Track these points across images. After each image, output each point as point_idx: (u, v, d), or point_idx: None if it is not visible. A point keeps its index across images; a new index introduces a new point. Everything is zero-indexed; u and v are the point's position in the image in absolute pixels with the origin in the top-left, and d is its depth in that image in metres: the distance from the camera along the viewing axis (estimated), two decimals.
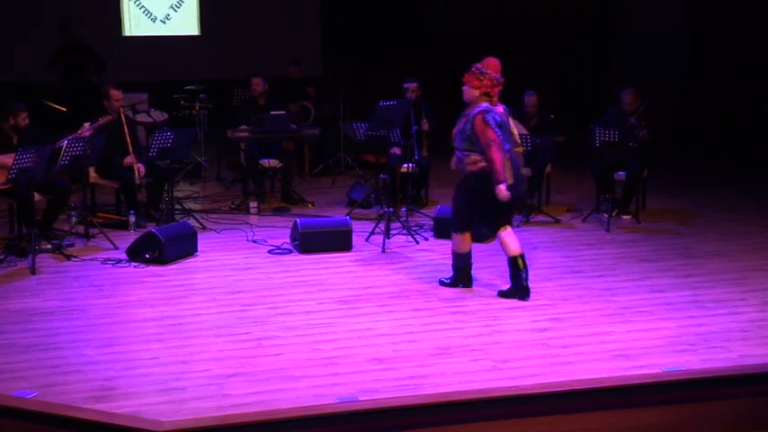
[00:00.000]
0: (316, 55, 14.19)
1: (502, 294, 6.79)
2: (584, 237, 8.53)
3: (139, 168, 8.62)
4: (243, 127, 9.87)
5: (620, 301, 6.72)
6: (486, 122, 6.56)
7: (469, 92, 6.70)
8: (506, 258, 6.79)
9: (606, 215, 8.83)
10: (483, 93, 6.65)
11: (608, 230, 8.65)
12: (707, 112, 12.97)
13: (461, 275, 6.99)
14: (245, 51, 14.04)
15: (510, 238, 6.76)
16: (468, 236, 6.89)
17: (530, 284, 6.76)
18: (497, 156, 6.53)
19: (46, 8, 13.13)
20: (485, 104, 6.64)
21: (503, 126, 6.64)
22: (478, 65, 6.72)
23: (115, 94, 8.74)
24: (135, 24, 13.98)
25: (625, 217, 9.08)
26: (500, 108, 6.73)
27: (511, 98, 9.67)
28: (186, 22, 14.17)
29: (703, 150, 12.66)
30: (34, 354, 5.71)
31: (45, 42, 11.97)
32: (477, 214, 6.79)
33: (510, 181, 6.60)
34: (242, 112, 10.19)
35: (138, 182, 8.71)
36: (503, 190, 6.55)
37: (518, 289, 6.75)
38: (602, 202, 9.05)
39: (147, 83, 11.82)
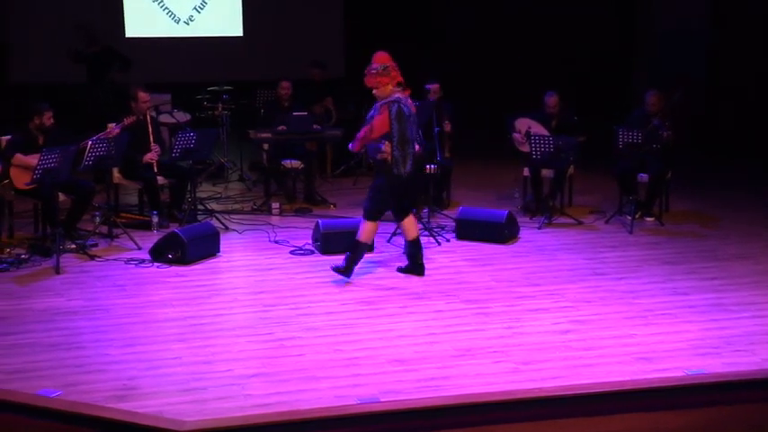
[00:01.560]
0: (338, 56, 14.21)
1: (401, 270, 7.37)
2: (606, 239, 8.49)
3: (156, 150, 8.64)
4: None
5: (643, 304, 6.68)
6: (388, 111, 6.90)
7: (383, 90, 6.98)
8: (406, 241, 7.29)
9: (629, 217, 8.78)
10: (396, 83, 6.96)
11: (631, 232, 8.61)
12: (732, 112, 12.87)
13: (355, 263, 7.21)
14: (267, 53, 14.08)
15: (412, 224, 7.26)
16: (377, 225, 7.24)
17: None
18: (361, 133, 7.01)
19: (68, 10, 13.21)
20: (397, 95, 6.95)
21: (407, 119, 6.95)
22: (375, 65, 6.96)
23: (143, 96, 8.79)
24: (158, 25, 14.04)
25: (648, 219, 9.04)
26: (410, 101, 7.06)
27: (533, 99, 9.71)
28: (209, 24, 14.23)
29: (727, 152, 12.56)
30: (58, 353, 5.75)
31: (68, 44, 12.05)
32: (388, 203, 7.19)
33: (403, 171, 7.00)
34: (266, 113, 10.25)
35: (155, 168, 8.69)
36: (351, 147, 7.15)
37: (417, 266, 7.30)
38: (625, 204, 9.01)
39: (169, 83, 11.87)
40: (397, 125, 6.91)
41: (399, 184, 7.09)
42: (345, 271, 7.16)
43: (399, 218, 7.34)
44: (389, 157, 6.98)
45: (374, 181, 7.28)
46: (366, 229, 7.19)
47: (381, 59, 6.99)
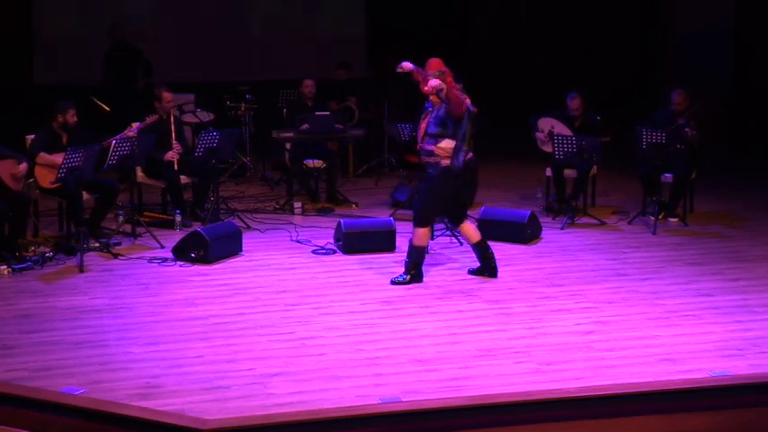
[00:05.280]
0: (361, 56, 14.22)
1: (472, 272, 7.29)
2: (629, 239, 8.44)
3: (177, 149, 8.68)
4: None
5: (667, 305, 6.64)
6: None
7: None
8: (472, 245, 7.22)
9: (653, 218, 8.74)
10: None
11: (654, 233, 8.56)
12: (756, 114, 12.76)
13: (418, 272, 7.11)
14: (291, 52, 14.09)
15: (472, 228, 7.27)
16: (429, 230, 7.20)
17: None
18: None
19: (91, 9, 13.28)
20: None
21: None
22: (430, 71, 6.91)
23: (166, 96, 8.85)
24: None
25: (672, 220, 8.98)
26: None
27: (558, 99, 9.67)
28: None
29: (753, 153, 12.46)
30: (82, 351, 5.79)
31: (93, 43, 12.13)
32: (441, 208, 7.22)
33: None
34: (289, 113, 10.27)
35: (176, 165, 8.72)
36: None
37: (489, 268, 7.22)
38: (649, 205, 8.96)
39: (193, 83, 11.92)
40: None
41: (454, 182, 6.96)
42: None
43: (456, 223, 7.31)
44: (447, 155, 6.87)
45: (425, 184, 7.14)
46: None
47: (436, 66, 6.90)
